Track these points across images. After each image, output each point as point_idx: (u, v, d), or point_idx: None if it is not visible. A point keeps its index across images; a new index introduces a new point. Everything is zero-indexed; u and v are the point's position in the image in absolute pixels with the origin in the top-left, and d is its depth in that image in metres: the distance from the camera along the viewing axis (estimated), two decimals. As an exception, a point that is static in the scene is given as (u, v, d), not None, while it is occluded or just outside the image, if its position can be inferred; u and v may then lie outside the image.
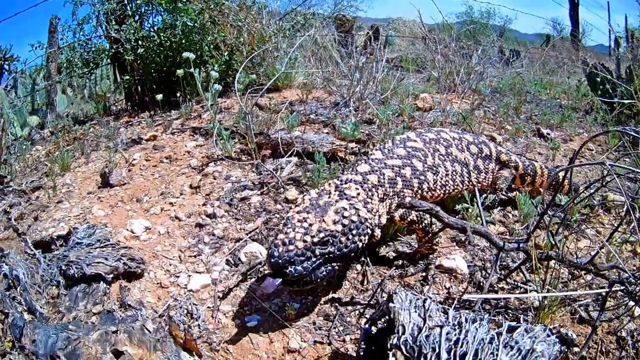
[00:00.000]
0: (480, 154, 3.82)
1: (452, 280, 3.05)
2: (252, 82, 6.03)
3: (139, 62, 7.24)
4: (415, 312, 2.16)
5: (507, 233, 3.66)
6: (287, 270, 2.38)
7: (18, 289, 2.78)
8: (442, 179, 3.41)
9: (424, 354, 1.94)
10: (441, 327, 2.06)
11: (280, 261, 2.37)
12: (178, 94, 6.74)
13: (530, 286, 2.87)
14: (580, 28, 16.46)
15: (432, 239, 3.14)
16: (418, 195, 3.26)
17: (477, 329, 2.04)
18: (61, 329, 2.40)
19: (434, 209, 2.57)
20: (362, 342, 2.30)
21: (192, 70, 4.95)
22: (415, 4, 8.37)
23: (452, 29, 9.29)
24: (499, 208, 3.98)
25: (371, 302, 2.84)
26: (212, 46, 7.09)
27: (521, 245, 2.71)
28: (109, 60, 8.01)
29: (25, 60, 9.52)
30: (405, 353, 1.98)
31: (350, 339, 2.61)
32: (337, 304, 2.86)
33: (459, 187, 3.61)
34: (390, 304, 2.17)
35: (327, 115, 5.54)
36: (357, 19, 13.93)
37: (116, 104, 8.85)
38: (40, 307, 2.75)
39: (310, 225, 2.49)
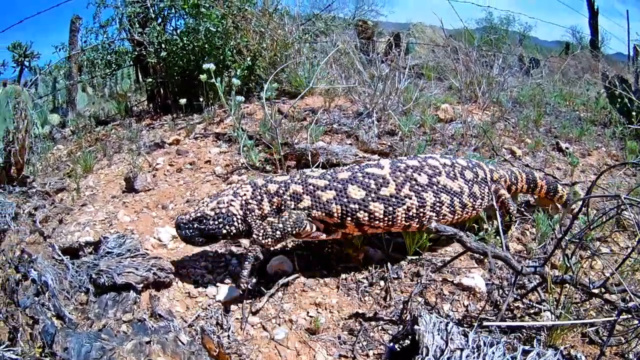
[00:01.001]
0: (476, 179, 3.61)
1: (470, 298, 3.14)
2: (276, 90, 6.10)
3: (161, 64, 7.36)
4: (438, 334, 2.27)
5: (525, 251, 3.72)
6: (177, 231, 3.23)
7: (46, 295, 2.83)
8: (408, 211, 3.21)
9: (446, 375, 2.05)
10: (461, 350, 2.18)
11: (175, 223, 3.26)
12: (200, 98, 6.83)
13: (544, 306, 2.96)
14: (599, 36, 16.37)
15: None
16: (351, 223, 3.18)
17: (494, 353, 2.19)
18: (94, 337, 2.46)
19: (457, 234, 2.66)
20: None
21: (213, 80, 4.99)
22: (436, 9, 8.48)
23: (473, 38, 9.32)
24: (517, 224, 4.04)
25: (394, 319, 2.93)
26: (234, 51, 7.18)
27: (538, 269, 2.81)
28: (131, 62, 8.16)
29: (49, 62, 9.68)
30: (428, 374, 2.09)
31: (374, 354, 2.71)
32: (361, 319, 2.96)
33: (446, 217, 3.40)
34: (416, 327, 2.28)
35: (350, 125, 5.61)
36: (378, 24, 13.98)
37: (138, 104, 8.98)
38: (69, 313, 2.78)
39: (203, 207, 3.20)
